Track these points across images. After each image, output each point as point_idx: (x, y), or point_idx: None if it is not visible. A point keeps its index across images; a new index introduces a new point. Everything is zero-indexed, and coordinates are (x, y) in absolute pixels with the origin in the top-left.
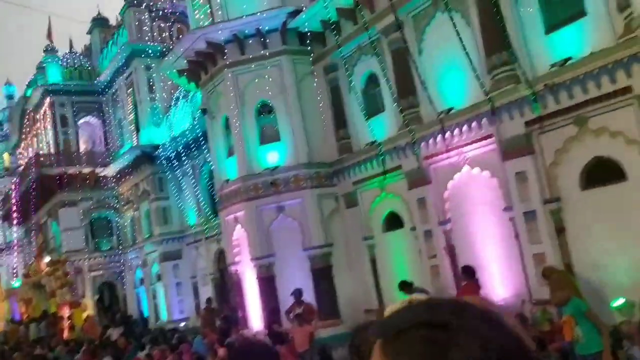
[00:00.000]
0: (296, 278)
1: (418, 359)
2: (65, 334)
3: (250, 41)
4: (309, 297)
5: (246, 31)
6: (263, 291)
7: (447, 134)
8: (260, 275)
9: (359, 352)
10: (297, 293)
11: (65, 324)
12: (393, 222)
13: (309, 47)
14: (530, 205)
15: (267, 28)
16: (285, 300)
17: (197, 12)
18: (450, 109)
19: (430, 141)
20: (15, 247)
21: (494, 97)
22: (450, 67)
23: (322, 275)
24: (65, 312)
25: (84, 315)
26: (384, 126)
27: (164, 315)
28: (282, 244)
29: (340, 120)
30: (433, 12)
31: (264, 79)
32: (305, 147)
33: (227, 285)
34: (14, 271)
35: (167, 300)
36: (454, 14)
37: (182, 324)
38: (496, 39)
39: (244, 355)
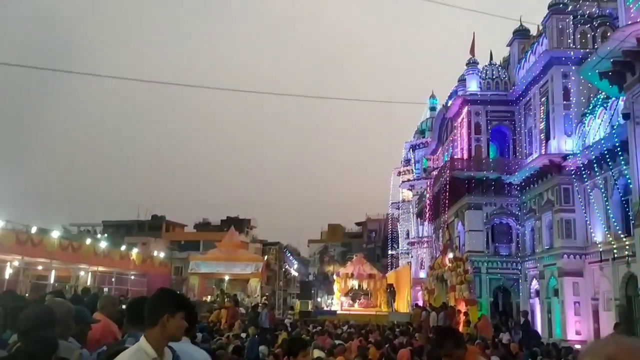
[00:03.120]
0: None
1: None
2: (461, 328)
3: None
4: None
5: None
6: None
7: None
8: None
9: None
10: None
11: (461, 318)
12: None
13: None
14: None
15: None
16: None
17: (631, 7)
18: None
19: None
20: (425, 242)
21: None
22: None
23: None
24: (462, 307)
25: (479, 313)
26: None
27: (557, 332)
28: None
29: None
30: None
31: None
32: None
33: (634, 315)
34: (422, 263)
35: (562, 317)
36: None
37: (578, 346)
38: None
39: None
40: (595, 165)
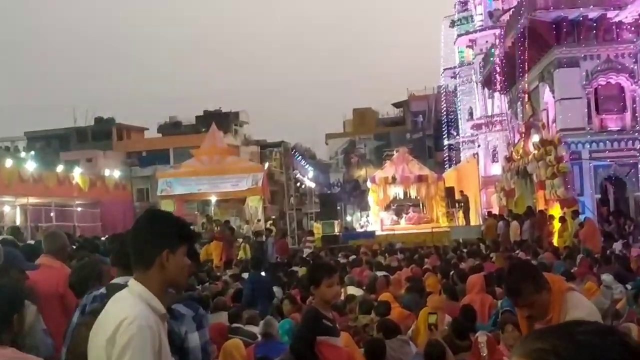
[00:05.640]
0: None
1: None
2: (555, 240)
3: None
4: None
5: None
6: None
7: None
8: None
9: None
10: None
11: (556, 226)
12: None
13: None
14: None
15: None
16: None
17: None
18: None
19: None
20: (497, 122)
21: None
22: None
23: None
24: (556, 210)
25: (581, 217)
26: None
27: None
28: None
29: None
30: None
31: None
32: None
33: None
34: (494, 153)
35: None
36: None
37: None
38: None
39: None
40: None
